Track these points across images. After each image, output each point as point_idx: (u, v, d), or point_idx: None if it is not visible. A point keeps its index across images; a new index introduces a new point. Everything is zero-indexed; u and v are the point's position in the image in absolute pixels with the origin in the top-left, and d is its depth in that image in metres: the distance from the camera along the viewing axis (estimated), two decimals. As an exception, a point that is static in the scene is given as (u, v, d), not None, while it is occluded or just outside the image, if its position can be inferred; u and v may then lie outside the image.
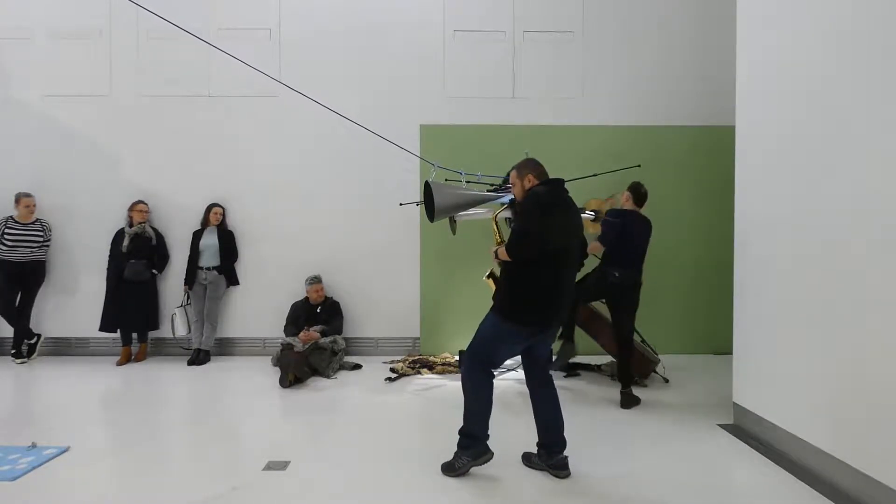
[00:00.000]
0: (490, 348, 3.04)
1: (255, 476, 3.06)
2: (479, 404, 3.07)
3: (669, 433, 3.74)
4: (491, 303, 3.10)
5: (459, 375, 4.82)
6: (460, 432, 3.11)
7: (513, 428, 3.71)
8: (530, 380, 3.18)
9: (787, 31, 3.40)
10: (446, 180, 5.43)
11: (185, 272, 5.91)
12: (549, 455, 3.10)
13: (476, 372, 3.07)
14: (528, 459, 3.23)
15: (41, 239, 5.82)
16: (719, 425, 3.87)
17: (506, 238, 3.27)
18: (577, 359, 5.60)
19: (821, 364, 3.04)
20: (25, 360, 5.76)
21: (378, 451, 3.45)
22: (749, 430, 3.69)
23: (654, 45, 6.20)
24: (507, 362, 5.37)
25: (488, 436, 3.11)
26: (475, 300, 5.57)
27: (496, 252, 3.09)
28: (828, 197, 3.00)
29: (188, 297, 5.92)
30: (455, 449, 3.12)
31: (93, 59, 6.10)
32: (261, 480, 3.01)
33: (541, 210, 2.93)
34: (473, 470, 3.10)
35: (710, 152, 6.11)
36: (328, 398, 4.60)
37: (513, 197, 3.33)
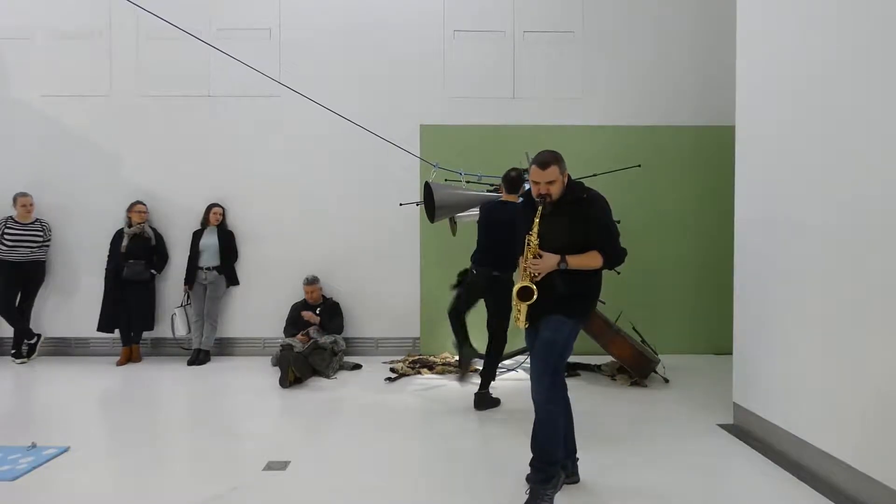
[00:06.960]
0: (566, 356, 2.78)
1: (255, 476, 3.06)
2: (563, 424, 2.77)
3: (670, 433, 3.74)
4: None
5: (460, 376, 4.85)
6: (540, 466, 2.64)
7: (509, 426, 3.71)
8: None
9: (786, 30, 3.39)
10: (446, 180, 5.43)
11: (185, 272, 5.91)
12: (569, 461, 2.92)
13: (562, 390, 2.76)
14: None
15: (41, 239, 5.81)
16: (719, 425, 3.87)
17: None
18: (578, 359, 5.60)
19: (821, 364, 3.04)
20: (25, 360, 5.75)
21: (378, 451, 3.45)
22: (749, 430, 3.69)
23: (654, 45, 6.20)
24: (507, 362, 5.38)
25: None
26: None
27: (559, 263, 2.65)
28: (827, 196, 3.00)
29: (188, 297, 5.92)
30: (531, 486, 2.66)
31: (93, 59, 6.09)
32: (261, 480, 3.01)
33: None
34: (472, 471, 3.09)
35: (710, 152, 6.10)
36: (328, 398, 4.60)
37: (521, 197, 3.05)
